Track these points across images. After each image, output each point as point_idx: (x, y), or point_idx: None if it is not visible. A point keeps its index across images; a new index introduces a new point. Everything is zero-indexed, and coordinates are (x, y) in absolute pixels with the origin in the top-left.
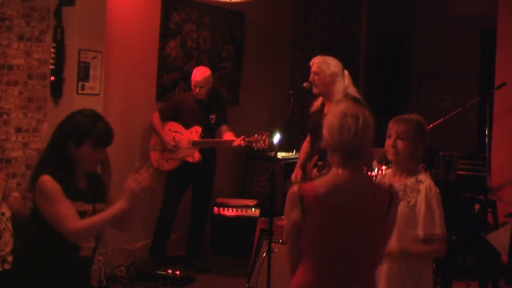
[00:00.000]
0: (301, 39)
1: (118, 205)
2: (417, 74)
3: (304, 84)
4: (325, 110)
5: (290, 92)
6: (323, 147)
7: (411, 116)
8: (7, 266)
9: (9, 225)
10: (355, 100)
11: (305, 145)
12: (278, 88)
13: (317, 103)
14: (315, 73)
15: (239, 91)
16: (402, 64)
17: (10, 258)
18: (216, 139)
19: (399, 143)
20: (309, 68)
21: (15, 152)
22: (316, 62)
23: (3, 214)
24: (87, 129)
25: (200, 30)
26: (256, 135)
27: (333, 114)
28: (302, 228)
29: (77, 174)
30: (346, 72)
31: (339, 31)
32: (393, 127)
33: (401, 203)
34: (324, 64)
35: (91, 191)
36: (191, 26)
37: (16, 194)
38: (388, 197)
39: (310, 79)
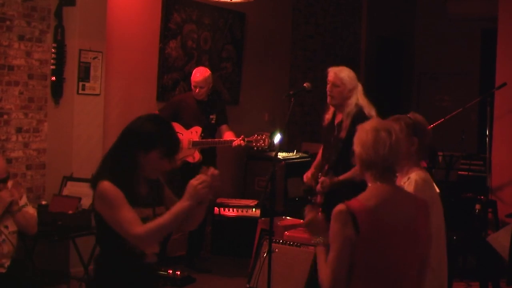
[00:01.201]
0: (301, 39)
1: (179, 205)
2: (417, 74)
3: (304, 84)
4: (336, 120)
5: (291, 92)
6: (353, 163)
7: (407, 114)
8: (2, 270)
9: (12, 238)
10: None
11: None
12: (279, 88)
13: (328, 115)
14: (335, 85)
15: (240, 91)
16: (402, 64)
17: (6, 263)
18: (216, 139)
19: None
20: (310, 68)
21: (15, 152)
22: (337, 75)
23: (6, 227)
24: (157, 138)
25: (200, 30)
26: (255, 135)
27: (365, 130)
28: (356, 247)
29: (139, 179)
30: (359, 87)
31: (339, 31)
32: None
33: None
34: (346, 78)
35: (151, 195)
36: (192, 26)
37: (29, 210)
38: (425, 207)
39: (328, 89)
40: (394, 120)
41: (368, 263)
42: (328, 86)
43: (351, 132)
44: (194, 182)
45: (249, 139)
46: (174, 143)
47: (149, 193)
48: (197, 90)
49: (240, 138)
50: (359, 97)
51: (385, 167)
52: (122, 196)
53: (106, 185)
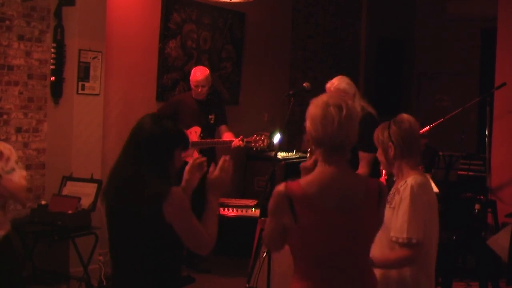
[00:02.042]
0: (301, 39)
1: (213, 203)
2: (417, 74)
3: (304, 84)
4: None
5: (290, 92)
6: (306, 140)
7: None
8: None
9: None
10: (370, 114)
11: None
12: (278, 88)
13: None
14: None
15: (239, 91)
16: (402, 64)
17: None
18: (215, 140)
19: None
20: (310, 68)
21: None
22: (338, 87)
23: None
24: (178, 133)
25: (200, 30)
26: (254, 136)
27: (315, 105)
28: (292, 232)
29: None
30: (358, 93)
31: (339, 31)
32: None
33: (386, 205)
34: (347, 87)
35: None
36: (191, 26)
37: (13, 177)
38: (377, 191)
39: None
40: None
41: (308, 250)
42: None
43: (358, 136)
44: (212, 176)
45: (248, 139)
46: (186, 135)
47: None
48: (199, 89)
49: (239, 139)
50: (361, 101)
51: (333, 147)
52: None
53: (180, 193)
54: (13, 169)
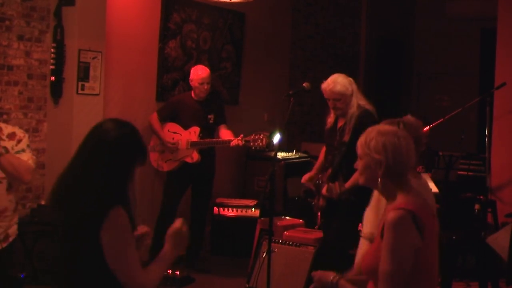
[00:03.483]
0: (301, 39)
1: (168, 252)
2: (417, 74)
3: (304, 84)
4: (339, 124)
5: (290, 92)
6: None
7: (399, 118)
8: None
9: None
10: (367, 112)
11: (324, 150)
12: (278, 88)
13: (331, 119)
14: (336, 100)
15: (239, 91)
16: (402, 64)
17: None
18: (214, 139)
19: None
20: (310, 68)
21: None
22: (333, 90)
23: None
24: (142, 144)
25: (200, 30)
26: (253, 135)
27: (393, 135)
28: (421, 251)
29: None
30: (355, 86)
31: (339, 31)
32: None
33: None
34: (342, 88)
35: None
36: (191, 26)
37: (22, 156)
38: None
39: (331, 105)
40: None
41: (431, 265)
42: (330, 102)
43: (355, 134)
44: (177, 228)
45: (247, 138)
46: (146, 148)
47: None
48: (205, 86)
49: (238, 138)
50: (358, 98)
51: (406, 172)
52: (131, 228)
53: (122, 214)
54: (23, 150)
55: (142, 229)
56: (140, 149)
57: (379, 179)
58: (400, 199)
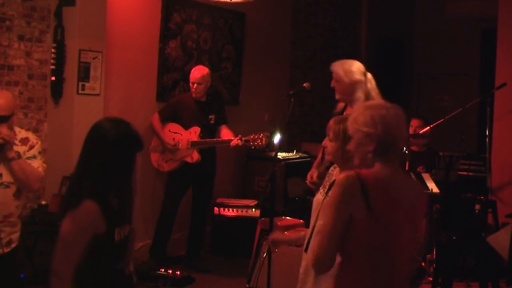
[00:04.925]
0: (301, 39)
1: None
2: (417, 74)
3: (304, 84)
4: (345, 113)
5: (291, 92)
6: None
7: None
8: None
9: (2, 191)
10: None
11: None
12: (279, 88)
13: (340, 105)
14: (336, 80)
15: (240, 92)
16: (402, 64)
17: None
18: (214, 139)
19: (329, 144)
20: (310, 68)
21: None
22: (336, 69)
23: None
24: (138, 135)
25: (200, 30)
26: (253, 135)
27: (377, 107)
28: (360, 224)
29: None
30: (369, 76)
31: (339, 31)
32: (328, 127)
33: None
34: (342, 73)
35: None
36: (192, 26)
37: (33, 163)
38: (425, 196)
39: (331, 84)
40: (338, 122)
41: (370, 241)
42: (332, 83)
43: None
44: None
45: (246, 138)
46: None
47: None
48: (195, 86)
49: (238, 138)
50: (370, 90)
51: (384, 145)
52: (91, 226)
53: (89, 206)
54: (34, 156)
55: None
56: (133, 146)
57: (369, 155)
58: (372, 169)
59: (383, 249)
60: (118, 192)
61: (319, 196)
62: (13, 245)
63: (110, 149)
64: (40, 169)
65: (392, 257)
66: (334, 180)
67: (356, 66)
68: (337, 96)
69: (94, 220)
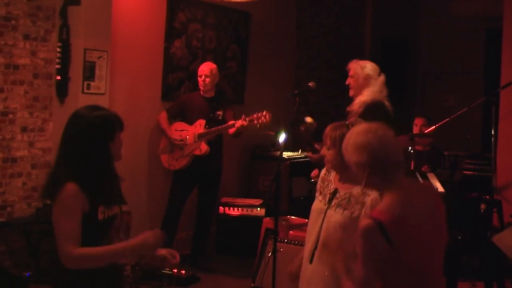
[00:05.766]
0: (306, 39)
1: (123, 248)
2: (421, 74)
3: (309, 84)
4: (353, 108)
5: (296, 92)
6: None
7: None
8: None
9: None
10: (379, 105)
11: None
12: (283, 88)
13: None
14: (351, 76)
15: (244, 91)
16: (406, 64)
17: None
18: (219, 126)
19: (328, 152)
20: (315, 68)
21: (20, 151)
22: (352, 65)
23: None
24: (112, 120)
25: (205, 30)
26: (256, 114)
27: (364, 133)
28: (388, 262)
29: (109, 174)
30: (380, 78)
31: (343, 30)
32: (324, 135)
33: (344, 213)
34: (359, 67)
35: (115, 191)
36: (196, 26)
37: None
38: (439, 195)
39: (346, 82)
40: (334, 129)
41: (402, 269)
42: (348, 80)
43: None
44: (151, 239)
45: (250, 118)
46: (119, 118)
47: (112, 189)
48: (203, 79)
49: (242, 119)
50: (376, 91)
51: (396, 165)
52: (78, 205)
53: (71, 189)
54: None
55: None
56: (108, 129)
57: (364, 180)
58: (383, 202)
59: (417, 273)
60: (101, 173)
61: (319, 205)
62: None
63: (87, 132)
64: None
65: (426, 272)
66: (335, 189)
67: (372, 64)
68: (351, 93)
69: (78, 200)
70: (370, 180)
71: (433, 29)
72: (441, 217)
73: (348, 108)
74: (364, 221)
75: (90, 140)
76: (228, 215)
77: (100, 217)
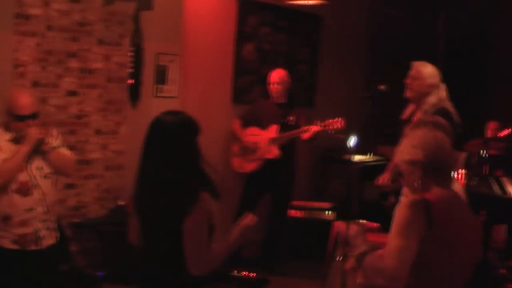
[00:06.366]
0: (377, 41)
1: (234, 237)
2: (496, 75)
3: (380, 87)
4: (414, 118)
5: (367, 95)
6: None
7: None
8: (47, 243)
9: (46, 183)
10: (445, 112)
11: None
12: (355, 91)
13: (409, 110)
14: (415, 78)
15: (315, 94)
16: (483, 65)
17: (50, 233)
18: (293, 131)
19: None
20: (386, 70)
21: (94, 153)
22: (418, 68)
23: (39, 168)
24: (195, 121)
25: (275, 33)
26: (329, 120)
27: (425, 133)
28: (424, 243)
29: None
30: (442, 86)
31: (415, 32)
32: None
33: None
34: (425, 73)
35: None
36: (267, 29)
37: (64, 151)
38: (480, 223)
39: (407, 81)
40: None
41: (432, 264)
42: (408, 79)
43: None
44: (250, 222)
45: (324, 123)
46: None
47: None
48: (274, 86)
49: (316, 124)
50: (442, 98)
51: (448, 169)
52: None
53: (206, 197)
54: (59, 146)
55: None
56: (193, 127)
57: (418, 183)
58: (433, 192)
59: (446, 267)
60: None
61: None
62: (58, 234)
63: (180, 137)
64: (72, 154)
65: (454, 276)
66: None
67: (437, 71)
68: (408, 94)
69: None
70: (422, 180)
71: (509, 29)
72: (479, 234)
73: (403, 117)
74: (413, 196)
75: (186, 144)
76: (298, 218)
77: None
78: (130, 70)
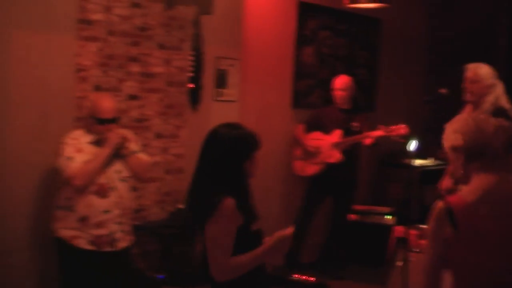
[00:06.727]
0: (438, 44)
1: (263, 251)
2: None
3: (441, 90)
4: None
5: (428, 98)
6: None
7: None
8: (121, 245)
9: (123, 185)
10: (501, 110)
11: None
12: (415, 94)
13: (467, 111)
14: (473, 81)
15: (376, 97)
16: None
17: (125, 236)
18: (356, 136)
19: None
20: (447, 74)
21: (155, 157)
22: (475, 70)
23: (117, 172)
24: (250, 140)
25: (335, 37)
26: (391, 126)
27: (466, 119)
28: (453, 247)
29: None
30: (500, 84)
31: (476, 35)
32: None
33: None
34: (483, 74)
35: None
36: (327, 33)
37: (142, 156)
38: None
39: (466, 85)
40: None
41: (470, 260)
42: (466, 82)
43: None
44: (286, 235)
45: (388, 129)
46: (257, 137)
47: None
48: (339, 93)
49: (379, 129)
50: (499, 96)
51: (494, 151)
52: (236, 219)
53: (230, 202)
54: (138, 151)
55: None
56: (247, 148)
57: (461, 171)
58: (465, 187)
59: (487, 267)
60: (240, 191)
61: None
62: (131, 238)
63: (226, 151)
64: (149, 159)
65: (498, 275)
66: None
67: (492, 70)
68: (468, 97)
69: (236, 214)
70: (466, 167)
71: None
72: None
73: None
74: (438, 204)
75: (228, 159)
76: (358, 223)
77: (252, 229)
78: (190, 74)
